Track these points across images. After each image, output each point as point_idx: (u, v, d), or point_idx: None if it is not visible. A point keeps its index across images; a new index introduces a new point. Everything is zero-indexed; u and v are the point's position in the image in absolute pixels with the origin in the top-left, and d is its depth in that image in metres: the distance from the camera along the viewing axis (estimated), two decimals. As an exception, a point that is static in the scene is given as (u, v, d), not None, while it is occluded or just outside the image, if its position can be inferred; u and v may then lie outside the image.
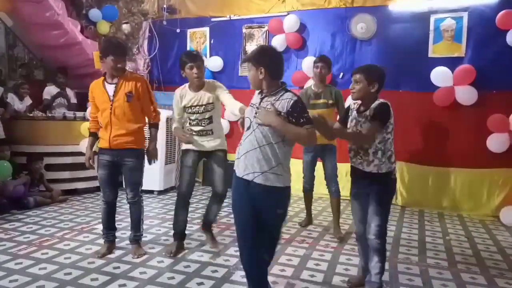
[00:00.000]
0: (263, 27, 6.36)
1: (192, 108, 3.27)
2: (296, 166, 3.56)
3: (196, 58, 3.23)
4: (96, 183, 5.08)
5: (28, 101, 5.57)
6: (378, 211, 2.59)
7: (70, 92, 5.99)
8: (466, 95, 5.10)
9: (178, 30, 6.84)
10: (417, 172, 5.46)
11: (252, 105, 2.34)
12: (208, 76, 5.24)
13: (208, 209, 3.53)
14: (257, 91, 2.36)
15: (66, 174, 5.33)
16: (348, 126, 2.73)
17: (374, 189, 2.60)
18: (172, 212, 3.52)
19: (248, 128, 2.28)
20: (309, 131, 2.17)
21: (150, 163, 3.40)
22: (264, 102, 2.26)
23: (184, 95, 3.31)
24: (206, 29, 6.73)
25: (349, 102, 3.13)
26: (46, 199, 4.85)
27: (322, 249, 3.68)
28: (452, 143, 5.30)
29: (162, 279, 2.92)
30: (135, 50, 6.87)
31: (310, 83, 5.40)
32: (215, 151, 3.37)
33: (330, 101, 4.02)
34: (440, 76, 5.18)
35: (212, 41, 6.72)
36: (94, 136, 3.36)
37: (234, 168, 2.35)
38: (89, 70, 5.84)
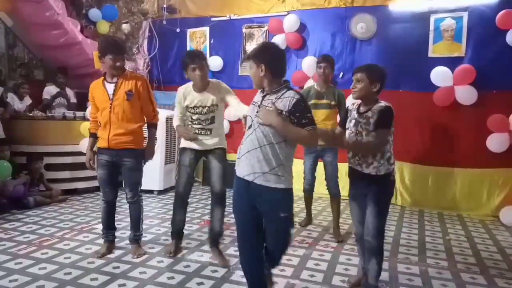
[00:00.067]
0: (263, 27, 6.36)
1: (195, 108, 3.20)
2: (297, 166, 3.55)
3: (199, 59, 3.12)
4: (96, 183, 5.07)
5: (28, 101, 5.57)
6: (376, 212, 2.55)
7: (70, 92, 5.99)
8: (466, 95, 5.10)
9: (178, 30, 6.84)
10: (417, 172, 5.46)
11: (254, 103, 2.30)
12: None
13: (211, 216, 3.33)
14: (260, 90, 2.31)
15: (66, 174, 5.33)
16: (347, 126, 2.70)
17: (372, 191, 2.57)
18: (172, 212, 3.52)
19: (250, 127, 2.24)
20: (311, 132, 2.12)
21: (144, 162, 3.38)
22: (266, 100, 2.21)
23: (187, 94, 3.22)
24: (206, 29, 6.73)
25: (349, 102, 3.11)
26: (46, 199, 4.85)
27: (322, 249, 3.68)
28: (452, 143, 5.30)
29: (161, 279, 2.92)
30: (135, 50, 6.87)
31: (310, 83, 5.42)
32: (214, 150, 3.27)
33: (333, 102, 4.00)
34: (440, 76, 5.18)
35: (212, 41, 6.73)
36: (95, 137, 3.34)
37: (235, 168, 2.32)
38: (89, 70, 5.83)
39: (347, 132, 2.70)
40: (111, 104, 3.14)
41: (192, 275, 2.99)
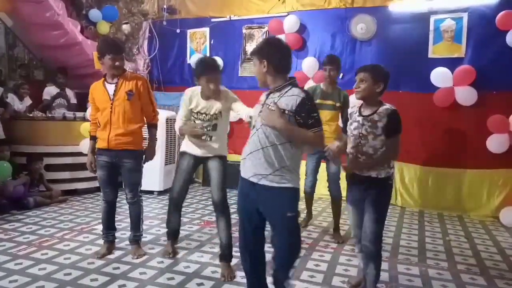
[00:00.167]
0: (263, 28, 6.36)
1: (199, 114, 3.12)
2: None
3: (215, 71, 2.98)
4: (96, 184, 5.08)
5: (28, 101, 5.57)
6: (374, 218, 2.53)
7: (70, 93, 5.99)
8: (466, 95, 5.10)
9: (178, 31, 6.85)
10: (417, 172, 5.46)
11: (260, 102, 2.23)
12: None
13: (217, 230, 3.17)
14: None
15: (66, 175, 5.33)
16: (348, 128, 2.67)
17: (371, 194, 2.54)
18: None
19: (254, 126, 2.18)
20: (317, 134, 2.05)
21: (144, 162, 3.37)
22: (270, 98, 2.15)
23: (193, 97, 3.12)
24: (206, 30, 6.73)
25: (352, 102, 3.09)
26: (46, 200, 4.84)
27: (321, 249, 3.68)
28: (452, 144, 5.30)
29: (161, 279, 2.92)
30: (135, 50, 6.88)
31: (310, 84, 5.42)
32: (213, 157, 3.15)
33: (338, 104, 3.96)
34: (440, 76, 5.18)
35: (212, 42, 6.73)
36: (95, 139, 3.31)
37: (240, 168, 2.26)
38: (89, 70, 5.83)
39: (348, 134, 2.66)
40: (111, 104, 3.14)
41: (192, 276, 2.99)
